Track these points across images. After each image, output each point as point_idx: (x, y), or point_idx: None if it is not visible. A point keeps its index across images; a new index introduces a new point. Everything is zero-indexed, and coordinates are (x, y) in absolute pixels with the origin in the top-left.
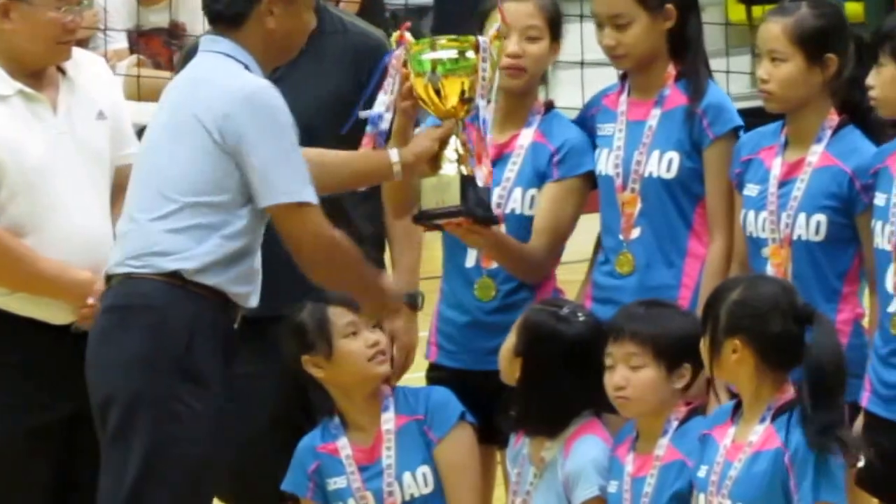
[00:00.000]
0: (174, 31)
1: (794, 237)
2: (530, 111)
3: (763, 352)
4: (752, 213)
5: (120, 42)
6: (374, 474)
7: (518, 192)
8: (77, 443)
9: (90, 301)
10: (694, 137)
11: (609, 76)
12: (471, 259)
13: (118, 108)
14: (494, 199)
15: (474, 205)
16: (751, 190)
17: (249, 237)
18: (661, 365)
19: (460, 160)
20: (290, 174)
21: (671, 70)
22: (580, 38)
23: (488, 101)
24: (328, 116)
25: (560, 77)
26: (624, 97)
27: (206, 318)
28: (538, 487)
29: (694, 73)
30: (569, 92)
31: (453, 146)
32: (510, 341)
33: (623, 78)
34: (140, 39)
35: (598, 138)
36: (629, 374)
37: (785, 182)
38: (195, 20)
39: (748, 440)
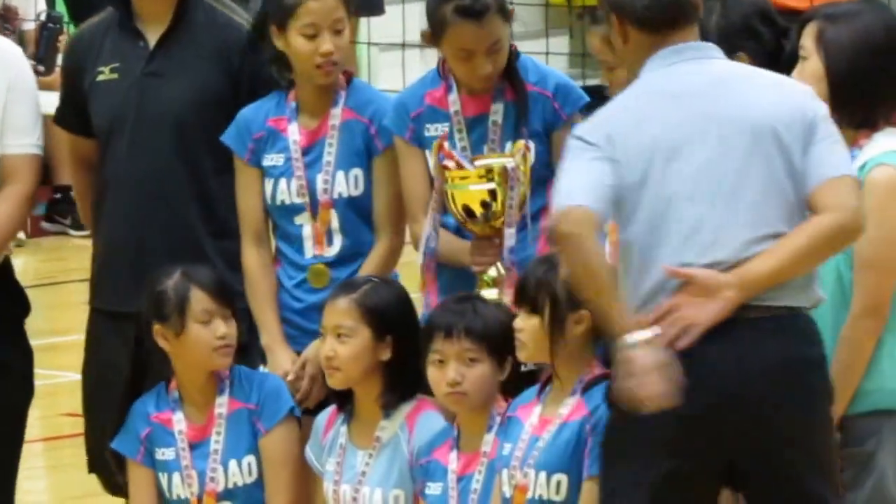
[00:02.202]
0: (6, 16)
1: None
2: (335, 91)
3: None
4: None
5: None
6: (203, 454)
7: (341, 175)
8: None
9: None
10: (547, 121)
11: (430, 59)
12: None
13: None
14: (319, 184)
15: None
16: None
17: None
18: (492, 359)
19: (497, 283)
20: None
21: None
22: (402, 21)
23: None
24: (199, 110)
25: (382, 59)
26: (454, 96)
27: None
28: (374, 468)
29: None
30: (391, 74)
31: (494, 268)
32: None
33: (441, 73)
34: None
35: (427, 139)
36: (464, 369)
37: None
38: (27, 4)
39: (558, 412)
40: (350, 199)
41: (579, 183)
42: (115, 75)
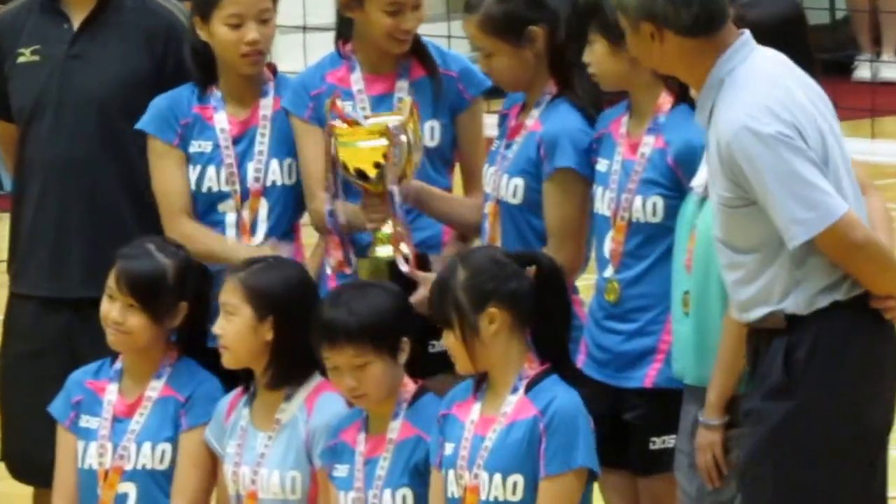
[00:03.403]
0: None
1: (500, 197)
2: (263, 82)
3: (516, 308)
4: (486, 167)
5: None
6: (122, 430)
7: (275, 163)
8: None
9: None
10: (451, 102)
11: (330, 42)
12: None
13: None
14: (251, 173)
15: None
16: (494, 144)
17: None
18: (383, 353)
19: (392, 240)
20: None
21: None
22: (302, 4)
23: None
24: (123, 95)
25: (283, 42)
26: (357, 75)
27: None
28: (273, 450)
29: (421, 43)
30: (292, 56)
31: (388, 226)
32: None
33: (342, 54)
34: None
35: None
36: (358, 373)
37: (509, 143)
38: None
39: (501, 411)
40: (284, 187)
41: (826, 188)
42: (37, 57)
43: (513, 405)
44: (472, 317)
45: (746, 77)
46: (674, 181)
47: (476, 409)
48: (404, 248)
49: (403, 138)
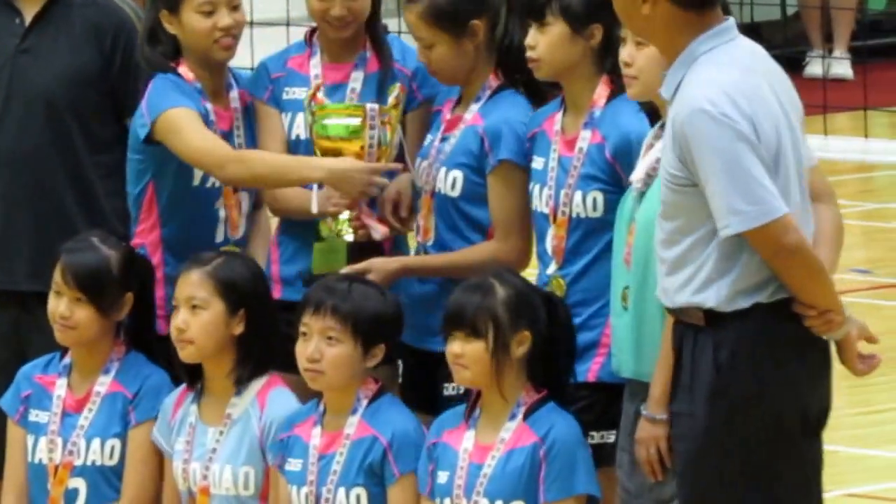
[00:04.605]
0: None
1: (436, 190)
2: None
3: (538, 336)
4: (418, 161)
5: None
6: (72, 426)
7: None
8: None
9: None
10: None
11: (279, 37)
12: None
13: None
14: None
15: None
16: (426, 139)
17: None
18: (357, 342)
19: (350, 223)
20: None
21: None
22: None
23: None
24: (71, 91)
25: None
26: (316, 60)
27: None
28: (224, 445)
29: (379, 37)
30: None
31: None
32: None
33: (308, 41)
34: None
35: (285, 102)
36: (324, 347)
37: (445, 137)
38: None
39: (499, 438)
40: None
41: (769, 187)
42: None
43: (511, 431)
44: (507, 334)
45: (720, 60)
46: (613, 176)
47: (469, 437)
48: (370, 221)
49: (377, 121)
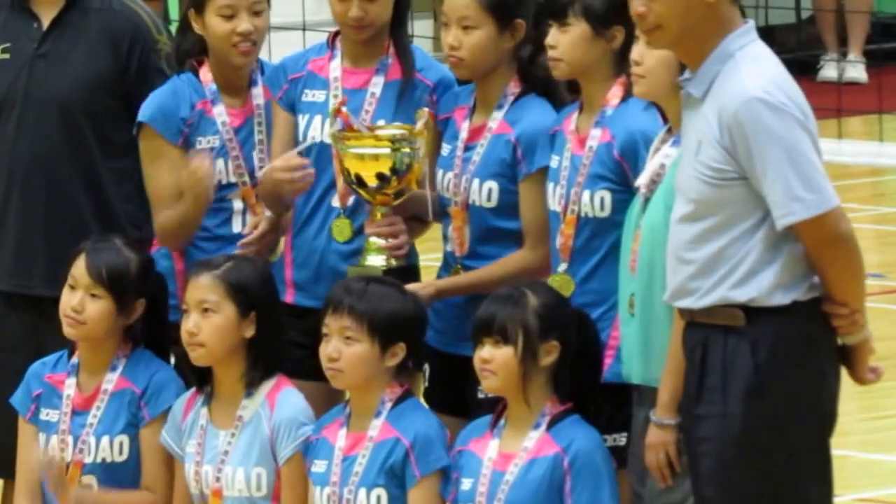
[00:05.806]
0: None
1: (470, 202)
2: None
3: (567, 349)
4: (440, 172)
5: None
6: (82, 424)
7: None
8: None
9: None
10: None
11: (295, 41)
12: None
13: None
14: (255, 162)
15: None
16: (444, 149)
17: None
18: (374, 341)
19: (384, 249)
20: None
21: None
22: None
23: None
24: (86, 96)
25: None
26: (336, 63)
27: None
28: (236, 447)
29: (403, 44)
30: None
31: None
32: None
33: (330, 44)
34: None
35: (302, 104)
36: (342, 346)
37: (469, 146)
38: None
39: (522, 446)
40: None
41: (826, 176)
42: (7, 55)
43: (534, 441)
44: (537, 342)
45: (759, 55)
46: (621, 175)
47: (494, 446)
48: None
49: (408, 150)
